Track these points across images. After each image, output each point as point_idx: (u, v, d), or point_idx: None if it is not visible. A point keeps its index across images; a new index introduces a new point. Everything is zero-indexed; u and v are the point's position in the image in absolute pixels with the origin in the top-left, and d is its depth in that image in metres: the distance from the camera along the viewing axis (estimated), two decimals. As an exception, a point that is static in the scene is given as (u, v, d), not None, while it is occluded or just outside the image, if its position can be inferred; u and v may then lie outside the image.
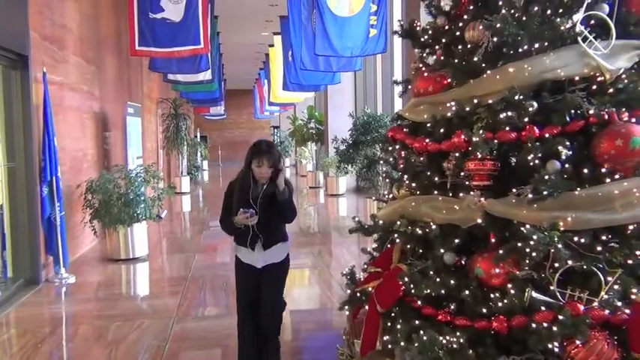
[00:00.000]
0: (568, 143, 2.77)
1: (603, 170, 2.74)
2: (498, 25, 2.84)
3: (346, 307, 3.50)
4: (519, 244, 2.69)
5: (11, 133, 5.81)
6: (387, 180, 3.82)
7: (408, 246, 3.32)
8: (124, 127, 10.37)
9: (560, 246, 2.59)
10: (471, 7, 3.17)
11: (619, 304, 2.64)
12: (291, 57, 11.11)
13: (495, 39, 2.90)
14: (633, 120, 2.78)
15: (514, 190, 2.82)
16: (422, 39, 3.42)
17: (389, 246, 3.49)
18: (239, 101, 31.69)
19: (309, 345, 4.38)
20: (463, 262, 3.03)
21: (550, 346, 2.58)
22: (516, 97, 2.81)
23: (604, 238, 2.70)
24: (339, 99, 14.73)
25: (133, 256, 7.17)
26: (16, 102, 5.82)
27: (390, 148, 3.54)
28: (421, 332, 2.89)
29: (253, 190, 3.52)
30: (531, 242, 2.60)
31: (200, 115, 26.91)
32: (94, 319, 5.01)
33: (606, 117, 2.76)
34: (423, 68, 3.41)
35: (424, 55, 3.47)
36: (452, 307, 2.98)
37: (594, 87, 2.88)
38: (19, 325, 4.87)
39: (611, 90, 2.89)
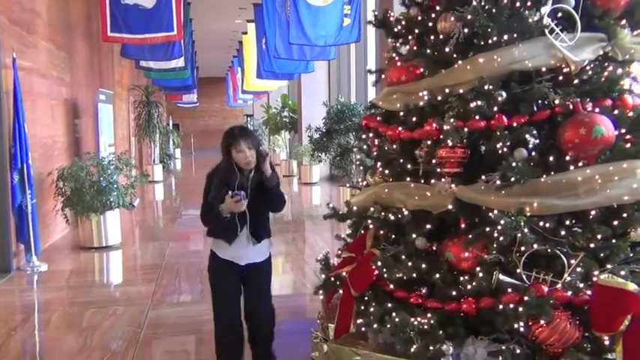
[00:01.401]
0: (535, 132, 2.89)
1: (568, 158, 2.84)
2: (469, 17, 2.92)
3: (320, 291, 3.57)
4: (487, 229, 2.80)
5: (-20, 119, 5.71)
6: (361, 167, 3.90)
7: (382, 232, 3.41)
8: (96, 114, 10.23)
9: (526, 230, 2.70)
10: (443, -1, 3.25)
11: (581, 285, 2.76)
12: (265, 45, 11.09)
13: (466, 30, 2.98)
14: (597, 110, 2.89)
15: (483, 177, 2.92)
16: (395, 29, 3.48)
17: (362, 232, 3.58)
18: (212, 89, 31.40)
19: (283, 329, 4.43)
20: (434, 247, 3.13)
21: (516, 326, 2.69)
22: (486, 87, 2.90)
23: (568, 222, 2.82)
24: (313, 87, 14.75)
25: (106, 244, 7.13)
26: (-17, 88, 5.72)
27: (364, 136, 3.60)
28: (393, 314, 2.98)
29: (240, 180, 3.24)
30: (499, 227, 2.71)
31: (172, 102, 26.61)
32: (67, 307, 4.98)
33: (571, 107, 2.87)
34: (397, 58, 3.48)
35: (397, 45, 3.54)
36: (423, 290, 3.09)
37: (560, 78, 2.99)
38: (-11, 314, 4.83)
39: (576, 81, 2.99)
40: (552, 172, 2.85)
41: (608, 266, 2.82)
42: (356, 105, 10.24)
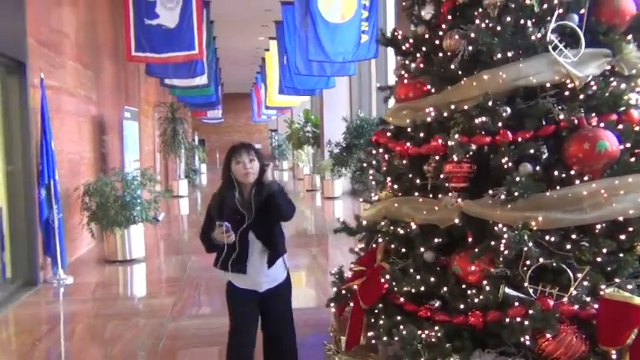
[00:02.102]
0: (540, 147, 2.93)
1: (572, 172, 2.87)
2: (473, 35, 2.99)
3: (332, 304, 3.64)
4: (493, 243, 2.84)
5: (10, 137, 5.95)
6: (374, 182, 3.97)
7: (392, 246, 3.47)
8: (121, 131, 10.50)
9: (530, 244, 2.73)
10: (449, 17, 3.31)
11: (588, 299, 2.77)
12: (286, 61, 11.28)
13: (471, 48, 3.05)
14: (602, 125, 2.92)
15: (490, 192, 2.97)
16: (403, 47, 3.57)
17: (374, 246, 3.64)
18: (237, 105, 31.83)
19: (299, 342, 4.52)
20: (444, 260, 3.17)
21: (522, 339, 2.71)
22: (490, 103, 2.95)
23: (574, 236, 2.83)
24: (334, 103, 14.89)
25: (130, 258, 7.30)
26: (13, 107, 5.97)
27: (374, 152, 3.68)
28: (401, 327, 3.03)
29: (240, 197, 3.09)
30: (503, 241, 2.75)
31: (198, 118, 27.05)
32: (91, 319, 5.14)
33: (576, 122, 2.90)
34: (405, 75, 3.56)
35: (406, 62, 3.61)
36: (436, 304, 3.13)
37: (566, 93, 3.03)
38: (17, 324, 5.01)
39: (581, 96, 3.02)
40: (558, 187, 2.89)
41: (616, 280, 2.82)
42: (375, 120, 10.34)
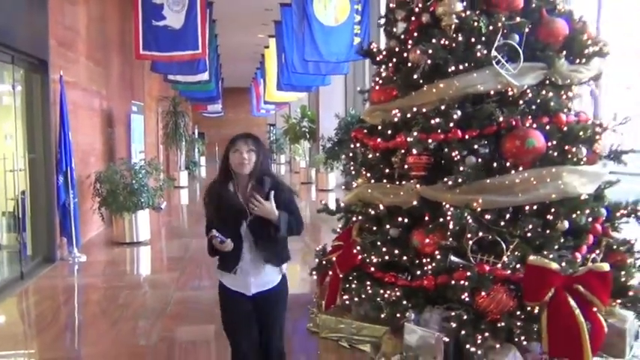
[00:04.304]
0: (483, 143, 3.60)
1: (508, 164, 3.55)
2: (430, 51, 3.65)
3: (314, 272, 4.32)
4: (442, 220, 3.52)
5: (32, 128, 6.59)
6: (353, 171, 4.63)
7: (368, 225, 4.14)
8: (128, 124, 11.16)
9: (470, 221, 3.40)
10: (415, 34, 3.97)
11: (518, 266, 3.45)
12: (284, 60, 11.91)
13: (429, 61, 3.71)
14: (534, 125, 3.59)
15: (445, 180, 3.64)
16: (378, 58, 4.22)
17: (351, 224, 4.31)
18: (237, 99, 32.37)
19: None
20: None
21: (463, 296, 3.39)
22: (444, 107, 3.62)
23: (507, 215, 3.52)
24: (330, 99, 15.52)
25: (137, 240, 7.97)
26: (36, 101, 6.61)
27: (353, 146, 4.35)
28: (368, 288, 3.71)
29: (237, 189, 2.88)
30: (448, 218, 3.43)
31: (198, 112, 27.64)
32: (104, 289, 5.81)
33: (513, 123, 3.57)
34: (379, 81, 4.22)
35: (380, 70, 4.27)
36: (405, 275, 3.79)
37: (509, 99, 3.70)
38: (40, 293, 5.67)
39: (521, 102, 3.70)
40: (497, 175, 3.56)
41: (545, 252, 3.50)
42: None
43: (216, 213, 2.91)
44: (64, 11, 7.69)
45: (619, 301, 3.70)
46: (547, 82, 3.81)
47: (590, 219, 3.71)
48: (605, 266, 3.37)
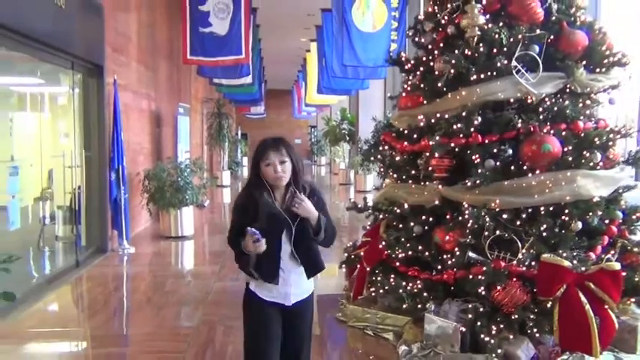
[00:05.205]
0: (503, 147, 3.84)
1: (525, 167, 3.78)
2: (454, 61, 3.92)
3: (343, 265, 4.64)
4: (461, 219, 3.78)
5: (88, 128, 7.13)
6: (382, 172, 4.93)
7: (394, 223, 4.43)
8: (175, 125, 11.71)
9: (487, 220, 3.66)
10: (441, 45, 4.24)
11: (532, 263, 3.67)
12: (324, 64, 12.27)
13: (453, 70, 3.98)
14: (551, 132, 3.81)
15: (465, 181, 3.90)
16: (406, 66, 4.51)
17: (378, 222, 4.61)
18: (279, 101, 32.93)
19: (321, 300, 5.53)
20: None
21: (480, 290, 3.64)
22: (465, 113, 3.88)
23: (524, 216, 3.75)
24: (369, 102, 15.76)
25: (181, 235, 8.44)
26: (92, 103, 7.14)
27: (381, 149, 4.64)
28: (392, 281, 4.00)
29: (268, 207, 2.65)
30: (467, 217, 3.68)
31: (241, 114, 28.32)
32: (151, 278, 6.27)
33: (531, 129, 3.80)
34: (407, 88, 4.50)
35: (408, 78, 4.55)
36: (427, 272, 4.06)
37: (528, 106, 3.93)
38: (94, 280, 6.16)
39: (540, 109, 3.92)
40: (514, 178, 3.80)
41: (559, 251, 3.71)
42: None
43: (253, 222, 2.61)
44: (117, 18, 8.22)
45: (633, 300, 3.88)
46: (567, 90, 4.03)
47: (606, 221, 3.91)
48: (616, 265, 3.57)
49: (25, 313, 4.88)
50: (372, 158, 4.71)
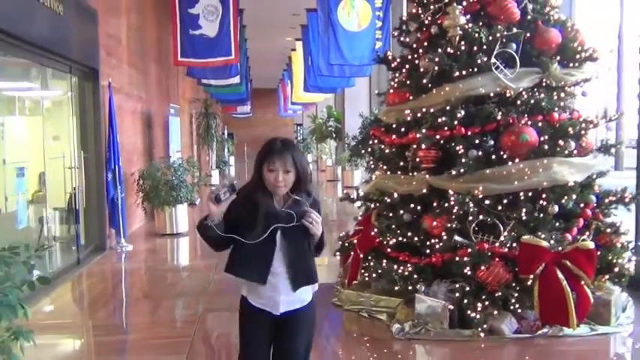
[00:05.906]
0: (484, 138, 4.14)
1: (505, 156, 4.08)
2: (437, 59, 4.21)
3: (337, 253, 4.91)
4: (447, 205, 4.07)
5: (85, 130, 7.31)
6: (372, 166, 5.21)
7: (385, 211, 4.72)
8: (166, 126, 11.90)
9: (472, 206, 3.95)
10: (425, 44, 4.53)
11: (514, 244, 3.98)
12: (310, 62, 12.53)
13: (437, 68, 4.27)
14: (529, 123, 4.11)
15: (450, 170, 4.19)
16: (392, 65, 4.79)
17: (369, 211, 4.89)
18: (265, 100, 33.05)
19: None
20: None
21: (465, 271, 3.94)
22: (449, 107, 4.18)
23: (505, 201, 4.05)
24: (355, 100, 16.05)
25: (177, 232, 8.65)
26: (88, 106, 7.33)
27: (371, 142, 4.93)
28: (384, 265, 4.28)
29: (268, 205, 2.44)
30: (452, 203, 3.98)
31: (227, 113, 28.43)
32: (150, 273, 6.50)
33: (510, 121, 4.11)
34: (395, 85, 4.78)
35: (395, 75, 4.83)
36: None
37: (507, 100, 4.24)
38: (95, 277, 6.36)
39: (518, 102, 4.23)
40: (496, 166, 4.10)
41: (538, 233, 4.02)
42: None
43: (248, 216, 2.44)
44: (108, 22, 8.40)
45: (607, 276, 4.21)
46: (542, 84, 4.35)
47: (581, 205, 4.23)
48: (590, 244, 3.90)
49: (34, 309, 5.08)
50: (363, 152, 4.95)
